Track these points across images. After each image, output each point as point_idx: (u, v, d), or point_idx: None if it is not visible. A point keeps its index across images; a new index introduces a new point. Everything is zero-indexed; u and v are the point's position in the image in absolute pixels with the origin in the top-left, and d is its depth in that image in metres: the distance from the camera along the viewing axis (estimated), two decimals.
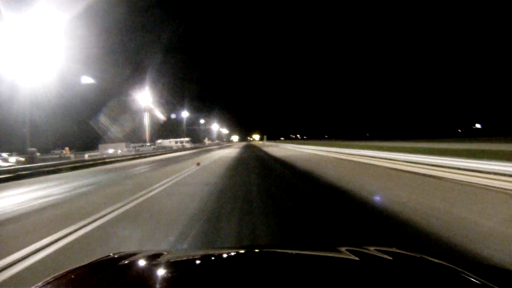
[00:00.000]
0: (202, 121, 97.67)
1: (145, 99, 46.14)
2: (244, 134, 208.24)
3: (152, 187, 6.62)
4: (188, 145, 55.05)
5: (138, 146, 48.69)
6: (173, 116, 67.56)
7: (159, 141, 56.40)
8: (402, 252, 1.05)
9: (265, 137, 68.47)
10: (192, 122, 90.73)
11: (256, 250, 1.18)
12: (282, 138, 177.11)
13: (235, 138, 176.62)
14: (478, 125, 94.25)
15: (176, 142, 56.03)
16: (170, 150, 41.61)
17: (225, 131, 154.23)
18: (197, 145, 62.70)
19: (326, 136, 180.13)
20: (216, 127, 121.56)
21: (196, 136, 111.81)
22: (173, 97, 74.89)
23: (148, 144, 45.73)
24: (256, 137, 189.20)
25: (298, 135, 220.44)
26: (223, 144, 77.21)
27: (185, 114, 69.47)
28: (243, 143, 76.53)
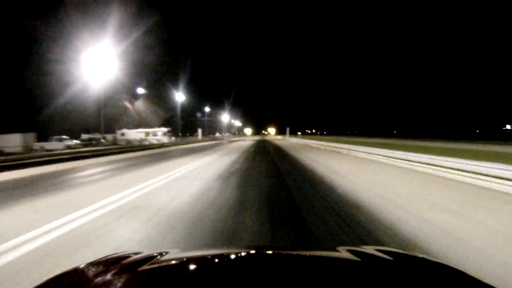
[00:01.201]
0: (207, 109, 77.61)
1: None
2: (259, 127, 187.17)
3: None
4: (165, 139, 33.83)
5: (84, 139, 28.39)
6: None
7: (122, 131, 35.70)
8: (402, 252, 1.05)
9: (287, 130, 44.59)
10: (196, 112, 71.53)
11: (256, 251, 1.19)
12: (299, 133, 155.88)
13: (248, 131, 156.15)
14: (508, 126, 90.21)
15: (148, 134, 34.93)
16: (108, 149, 20.59)
17: (238, 123, 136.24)
18: (186, 139, 41.59)
19: (349, 132, 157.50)
20: (227, 118, 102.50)
21: (201, 128, 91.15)
22: (163, 75, 53.77)
23: (71, 137, 24.99)
24: (272, 130, 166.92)
25: (314, 130, 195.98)
26: (228, 138, 55.68)
27: (179, 97, 48.21)
28: (256, 138, 54.29)
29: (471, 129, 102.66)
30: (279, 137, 65.00)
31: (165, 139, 33.88)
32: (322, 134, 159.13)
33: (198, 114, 62.25)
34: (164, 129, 34.86)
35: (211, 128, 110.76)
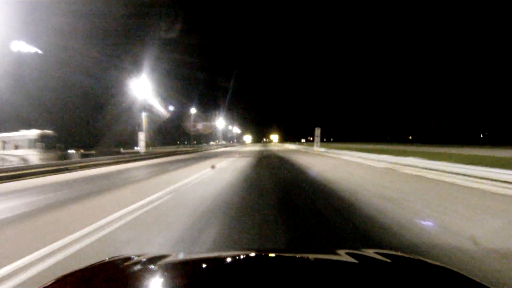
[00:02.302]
0: (193, 110, 58.28)
1: None
2: (259, 134, 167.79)
3: None
4: (34, 155, 13.83)
5: None
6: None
7: None
8: (401, 254, 1.06)
9: (318, 132, 19.64)
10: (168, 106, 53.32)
11: (257, 254, 1.19)
12: (303, 140, 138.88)
13: (248, 138, 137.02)
14: None
15: (3, 145, 15.01)
16: None
17: (236, 130, 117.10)
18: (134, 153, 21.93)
19: (360, 139, 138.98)
20: (222, 124, 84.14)
21: (187, 136, 72.40)
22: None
23: None
24: (275, 137, 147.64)
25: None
26: (218, 148, 36.15)
27: (142, 85, 28.61)
28: (257, 149, 34.58)
29: (474, 133, 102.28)
30: (291, 146, 44.28)
31: (33, 156, 14.00)
32: (328, 141, 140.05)
33: (169, 108, 42.35)
34: (34, 133, 14.84)
35: (202, 136, 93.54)
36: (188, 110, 58.84)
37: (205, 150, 34.26)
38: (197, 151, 30.41)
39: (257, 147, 44.56)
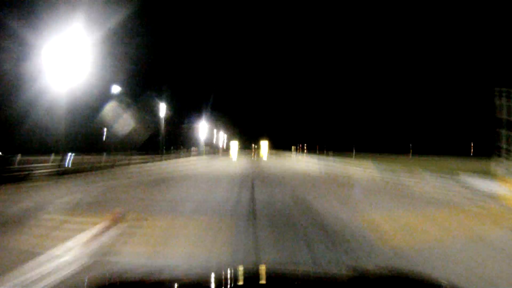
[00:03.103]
0: (163, 105, 40.59)
1: None
2: (248, 140, 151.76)
3: None
4: None
5: None
6: None
7: None
8: (402, 270, 1.02)
9: None
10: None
11: (255, 268, 1.18)
12: (293, 147, 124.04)
13: (234, 144, 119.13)
14: None
15: None
16: None
17: (223, 135, 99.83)
18: None
19: (355, 149, 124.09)
20: (205, 128, 68.95)
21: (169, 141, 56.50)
22: None
23: None
24: (264, 144, 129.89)
25: (306, 145, 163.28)
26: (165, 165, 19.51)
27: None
28: (242, 165, 17.05)
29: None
30: (305, 160, 24.74)
31: None
32: (321, 151, 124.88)
33: (113, 90, 24.70)
34: None
35: (183, 141, 78.77)
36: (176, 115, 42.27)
37: (130, 164, 17.44)
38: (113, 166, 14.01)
39: (236, 164, 22.62)
